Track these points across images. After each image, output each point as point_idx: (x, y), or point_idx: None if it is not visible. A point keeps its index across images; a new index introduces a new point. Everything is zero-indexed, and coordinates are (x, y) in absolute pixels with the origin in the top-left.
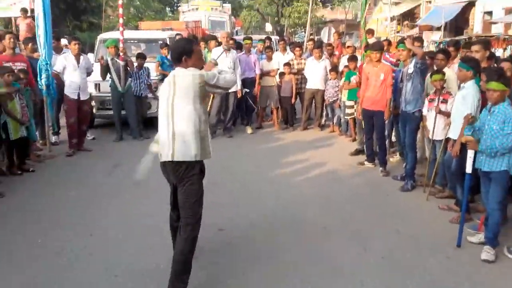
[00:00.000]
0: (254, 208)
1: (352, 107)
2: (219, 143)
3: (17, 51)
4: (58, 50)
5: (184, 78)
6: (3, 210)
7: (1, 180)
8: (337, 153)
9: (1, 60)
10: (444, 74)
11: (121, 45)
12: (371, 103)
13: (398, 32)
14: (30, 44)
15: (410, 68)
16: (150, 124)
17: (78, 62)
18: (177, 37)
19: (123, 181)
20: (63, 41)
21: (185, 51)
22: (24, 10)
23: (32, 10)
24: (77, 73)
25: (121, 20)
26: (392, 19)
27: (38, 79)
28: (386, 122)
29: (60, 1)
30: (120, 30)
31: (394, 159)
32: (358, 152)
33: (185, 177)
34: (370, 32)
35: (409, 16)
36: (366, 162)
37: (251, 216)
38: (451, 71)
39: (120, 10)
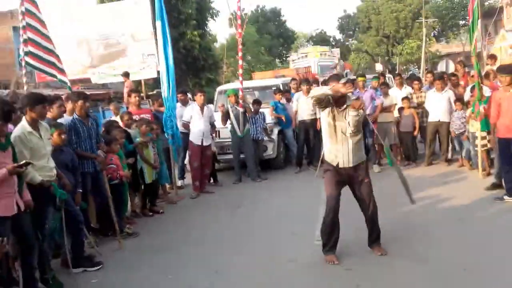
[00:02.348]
0: (384, 246)
1: (485, 137)
2: None
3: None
4: (185, 102)
5: None
6: (138, 248)
7: (136, 221)
8: (471, 189)
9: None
10: None
11: (240, 93)
12: (507, 131)
13: None
14: (159, 100)
15: None
16: (267, 166)
17: (202, 111)
18: (293, 82)
19: (246, 221)
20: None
21: None
22: (125, 74)
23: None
24: (202, 122)
25: (240, 71)
26: None
27: (165, 129)
28: None
29: (182, 62)
30: (240, 79)
31: None
32: (495, 186)
33: None
34: (493, 57)
35: None
36: (506, 197)
37: (382, 258)
38: None
39: (240, 62)
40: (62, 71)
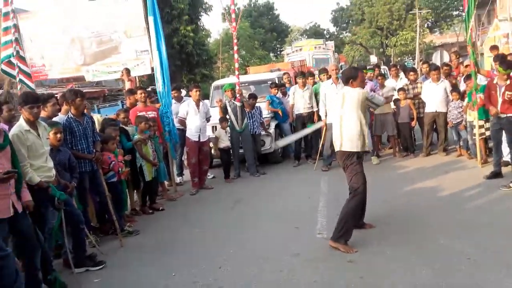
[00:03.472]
0: (386, 237)
1: (482, 126)
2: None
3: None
4: (179, 99)
5: (352, 93)
6: (140, 246)
7: (136, 219)
8: (470, 178)
9: (136, 111)
10: None
11: (237, 87)
12: None
13: None
14: (153, 98)
15: None
16: (265, 160)
17: (198, 107)
18: (285, 75)
19: (247, 216)
20: (183, 92)
21: (352, 76)
22: (127, 71)
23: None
24: (197, 117)
25: (236, 65)
26: None
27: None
28: None
29: (176, 58)
30: (236, 73)
31: None
32: (495, 175)
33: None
34: (495, 48)
35: None
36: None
37: (384, 248)
38: None
39: (236, 56)
40: (28, 75)
